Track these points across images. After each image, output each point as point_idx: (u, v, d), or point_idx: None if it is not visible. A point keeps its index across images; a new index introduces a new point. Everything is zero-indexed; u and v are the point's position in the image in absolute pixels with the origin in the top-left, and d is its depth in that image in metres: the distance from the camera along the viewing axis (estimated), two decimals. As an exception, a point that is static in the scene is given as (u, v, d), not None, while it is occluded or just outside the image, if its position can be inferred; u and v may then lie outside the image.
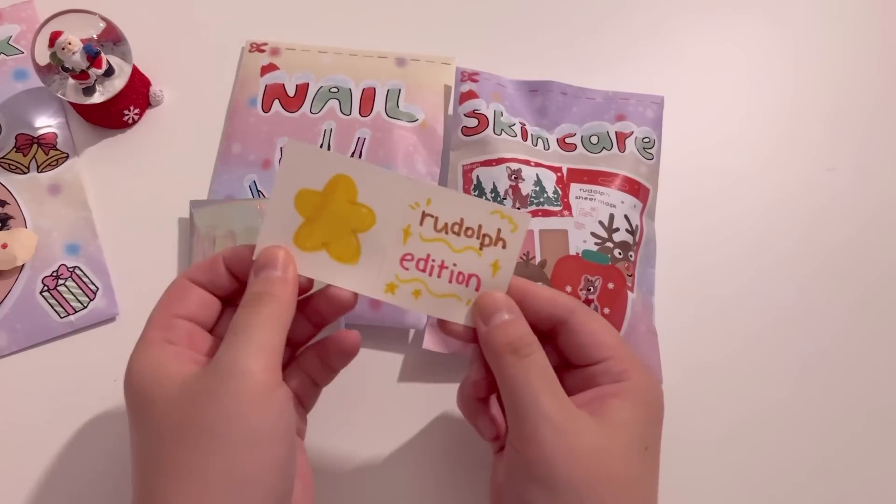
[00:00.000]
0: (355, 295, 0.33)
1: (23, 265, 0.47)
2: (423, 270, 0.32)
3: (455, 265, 0.32)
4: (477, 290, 0.32)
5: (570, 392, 0.31)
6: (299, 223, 0.32)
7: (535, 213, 0.46)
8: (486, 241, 0.32)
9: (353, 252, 0.32)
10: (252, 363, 0.28)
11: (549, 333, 0.34)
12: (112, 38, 0.48)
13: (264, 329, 0.29)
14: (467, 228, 0.32)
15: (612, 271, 0.46)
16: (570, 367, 0.34)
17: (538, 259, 0.45)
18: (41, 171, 0.49)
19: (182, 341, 0.31)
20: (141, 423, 0.29)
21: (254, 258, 0.31)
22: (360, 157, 0.49)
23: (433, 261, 0.32)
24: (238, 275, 0.33)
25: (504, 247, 0.32)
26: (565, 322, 0.33)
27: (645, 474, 0.31)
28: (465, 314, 0.33)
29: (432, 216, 0.32)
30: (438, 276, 0.32)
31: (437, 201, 0.32)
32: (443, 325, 0.33)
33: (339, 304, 0.33)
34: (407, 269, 0.32)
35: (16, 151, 0.49)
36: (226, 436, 0.27)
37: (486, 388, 0.35)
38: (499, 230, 0.32)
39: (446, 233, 0.32)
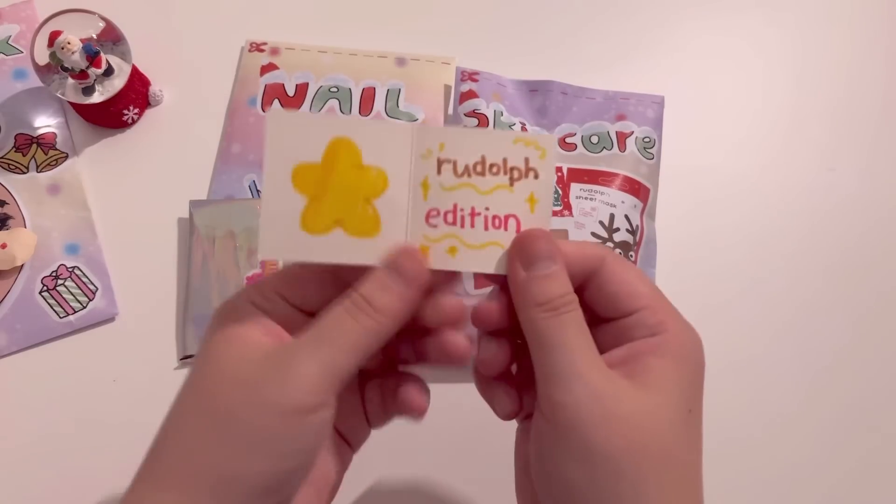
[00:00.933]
0: (469, 347, 0.29)
1: (22, 265, 0.47)
2: (454, 223, 0.28)
3: (487, 209, 0.28)
4: (518, 230, 0.28)
5: (601, 350, 0.28)
6: (303, 204, 0.27)
7: (535, 213, 0.46)
8: (516, 174, 0.28)
9: (371, 223, 0.28)
10: (309, 378, 0.25)
11: (577, 289, 0.29)
12: (111, 37, 0.48)
13: (345, 346, 0.26)
14: (492, 165, 0.28)
15: (613, 271, 0.46)
16: (600, 322, 0.30)
17: (538, 259, 0.45)
18: (41, 171, 0.49)
19: (274, 312, 0.28)
20: (192, 370, 0.28)
21: (259, 255, 0.28)
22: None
23: (461, 210, 0.28)
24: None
25: (536, 176, 0.28)
26: (596, 272, 0.29)
27: (689, 442, 0.28)
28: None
29: (450, 161, 0.28)
30: (472, 226, 0.28)
31: (451, 143, 0.28)
32: (475, 315, 0.29)
33: (454, 356, 0.29)
34: (435, 225, 0.28)
35: (15, 151, 0.49)
36: (241, 434, 0.25)
37: (505, 361, 0.30)
38: (527, 159, 0.28)
39: (469, 175, 0.28)
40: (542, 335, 0.27)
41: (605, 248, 0.30)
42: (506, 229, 0.28)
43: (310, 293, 0.28)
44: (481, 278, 0.45)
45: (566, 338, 0.27)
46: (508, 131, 0.29)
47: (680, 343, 0.28)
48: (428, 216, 0.28)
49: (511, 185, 0.28)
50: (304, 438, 0.26)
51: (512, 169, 0.28)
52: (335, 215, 0.28)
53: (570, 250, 0.29)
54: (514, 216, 0.28)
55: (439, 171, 0.28)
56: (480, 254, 0.28)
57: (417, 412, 0.30)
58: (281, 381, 0.25)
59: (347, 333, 0.26)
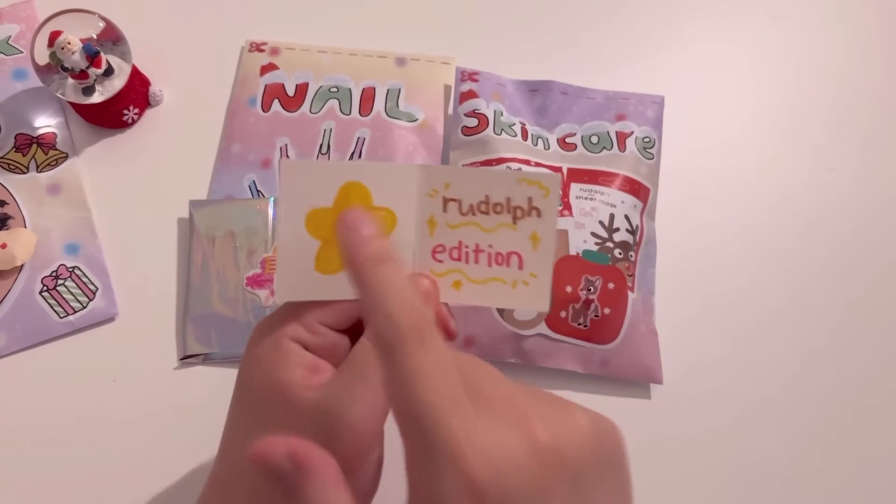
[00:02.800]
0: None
1: (22, 265, 0.47)
2: (459, 259, 0.30)
3: (491, 246, 0.29)
4: (520, 268, 0.29)
5: None
6: (317, 248, 0.29)
7: (535, 213, 0.46)
8: (519, 213, 0.29)
9: None
10: (364, 423, 0.26)
11: None
12: (111, 37, 0.48)
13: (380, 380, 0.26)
14: (495, 204, 0.29)
15: (613, 271, 0.46)
16: None
17: (538, 259, 0.45)
18: (40, 171, 0.49)
19: (319, 350, 0.29)
20: (238, 414, 0.28)
21: (275, 298, 0.29)
22: (359, 157, 0.49)
23: (466, 247, 0.29)
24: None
25: (539, 215, 0.29)
26: None
27: None
28: (513, 297, 0.30)
29: (455, 200, 0.29)
30: (476, 262, 0.30)
31: (457, 183, 0.29)
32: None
33: (446, 335, 0.30)
34: (441, 261, 0.30)
35: (15, 151, 0.49)
36: None
37: None
38: (530, 199, 0.29)
39: (474, 214, 0.29)
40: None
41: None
42: (508, 266, 0.30)
43: (345, 312, 0.29)
44: None
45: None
46: (513, 172, 0.30)
47: None
48: (434, 252, 0.29)
49: (514, 223, 0.29)
50: (369, 478, 0.28)
51: (515, 208, 0.29)
52: None
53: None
54: (517, 253, 0.29)
55: (445, 210, 0.29)
56: (484, 288, 0.30)
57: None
58: (342, 436, 0.26)
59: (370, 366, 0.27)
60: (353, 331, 0.30)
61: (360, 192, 0.29)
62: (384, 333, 0.22)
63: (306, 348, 0.28)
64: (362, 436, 0.26)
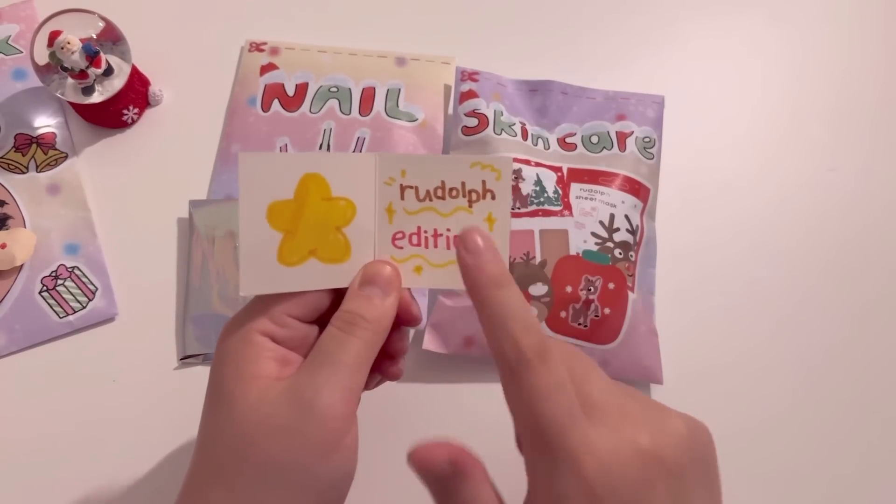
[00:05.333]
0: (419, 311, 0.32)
1: (22, 265, 0.46)
2: (418, 244, 0.30)
3: (449, 230, 0.30)
4: None
5: None
6: (279, 240, 0.29)
7: (535, 213, 0.46)
8: (474, 196, 0.30)
9: (342, 250, 0.30)
10: (334, 407, 0.27)
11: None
12: (111, 37, 0.48)
13: (353, 364, 0.28)
14: (451, 189, 0.30)
15: (613, 271, 0.46)
16: None
17: (538, 259, 0.45)
18: (40, 171, 0.49)
19: (289, 343, 0.29)
20: (212, 409, 0.28)
21: (240, 292, 0.29)
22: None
23: (425, 232, 0.30)
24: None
25: (493, 197, 0.30)
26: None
27: None
28: None
29: (411, 187, 0.30)
30: (435, 247, 0.30)
31: (412, 170, 0.30)
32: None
33: (410, 319, 0.31)
34: (401, 247, 0.30)
35: (15, 151, 0.49)
36: (281, 476, 0.26)
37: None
38: (483, 182, 0.30)
39: (430, 200, 0.30)
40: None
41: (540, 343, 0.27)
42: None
43: (312, 303, 0.30)
44: None
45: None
46: (466, 157, 0.30)
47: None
48: (394, 239, 0.30)
49: (470, 206, 0.30)
50: (346, 461, 0.28)
51: (470, 191, 0.30)
52: (309, 246, 0.30)
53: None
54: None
55: (403, 197, 0.30)
56: (444, 271, 0.31)
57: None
58: (313, 420, 0.26)
59: (351, 351, 0.28)
60: (322, 321, 0.30)
61: (319, 184, 0.29)
62: (507, 354, 0.25)
63: (276, 342, 0.29)
64: (334, 419, 0.27)
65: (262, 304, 0.29)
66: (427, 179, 0.30)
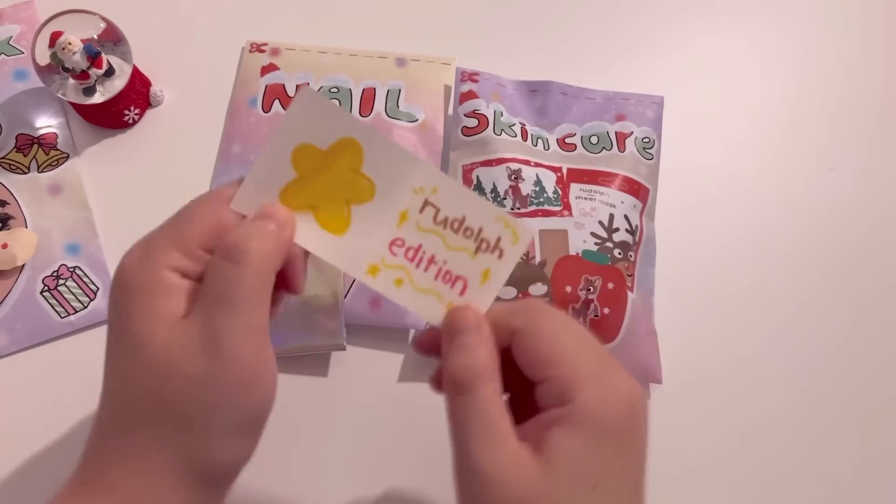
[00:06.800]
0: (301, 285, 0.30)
1: (23, 265, 0.47)
2: (412, 260, 0.30)
3: (445, 262, 0.30)
4: (461, 294, 0.30)
5: (530, 415, 0.28)
6: (291, 178, 0.29)
7: (534, 214, 0.46)
8: (483, 246, 0.30)
9: (341, 223, 0.30)
10: (244, 352, 0.26)
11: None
12: (112, 38, 0.48)
13: (255, 299, 0.26)
14: (466, 228, 0.30)
15: (612, 271, 0.46)
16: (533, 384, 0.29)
17: (538, 259, 0.45)
18: (41, 171, 0.49)
19: (196, 275, 0.28)
20: (121, 349, 0.27)
21: (231, 205, 0.28)
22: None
23: (423, 252, 0.30)
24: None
25: (500, 257, 0.30)
26: (516, 337, 0.29)
27: None
28: (441, 317, 0.30)
29: (434, 206, 0.30)
30: (425, 270, 0.30)
31: (443, 192, 0.29)
32: (415, 343, 0.31)
33: (292, 288, 0.30)
34: (395, 254, 0.30)
35: (16, 151, 0.49)
36: (203, 425, 0.26)
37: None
38: (499, 238, 0.30)
39: (444, 227, 0.30)
40: (451, 416, 0.28)
41: (532, 305, 0.30)
42: (452, 287, 0.30)
43: (221, 231, 0.28)
44: None
45: (463, 422, 0.27)
46: (496, 208, 0.30)
47: (590, 411, 0.26)
48: (393, 243, 0.30)
49: (475, 253, 0.30)
50: (265, 394, 0.27)
51: (482, 240, 0.30)
52: (313, 200, 0.29)
53: (497, 313, 0.29)
54: (464, 280, 0.30)
55: (421, 211, 0.30)
56: (420, 297, 0.30)
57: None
58: (225, 368, 0.26)
59: (251, 282, 0.26)
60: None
61: (355, 153, 0.29)
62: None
63: (184, 276, 0.27)
64: (246, 364, 0.26)
65: (175, 230, 0.28)
66: (451, 207, 0.30)
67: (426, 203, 0.30)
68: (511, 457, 0.26)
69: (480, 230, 0.30)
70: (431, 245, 0.30)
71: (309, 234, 0.29)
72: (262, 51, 0.53)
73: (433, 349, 0.31)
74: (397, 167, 0.29)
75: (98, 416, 0.28)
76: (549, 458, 0.26)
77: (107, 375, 0.28)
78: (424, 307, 0.30)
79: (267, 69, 0.52)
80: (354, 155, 0.29)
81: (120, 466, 0.26)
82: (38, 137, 0.50)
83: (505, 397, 0.28)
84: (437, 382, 0.32)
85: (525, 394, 0.29)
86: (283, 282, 0.30)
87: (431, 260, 0.30)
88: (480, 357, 0.28)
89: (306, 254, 0.31)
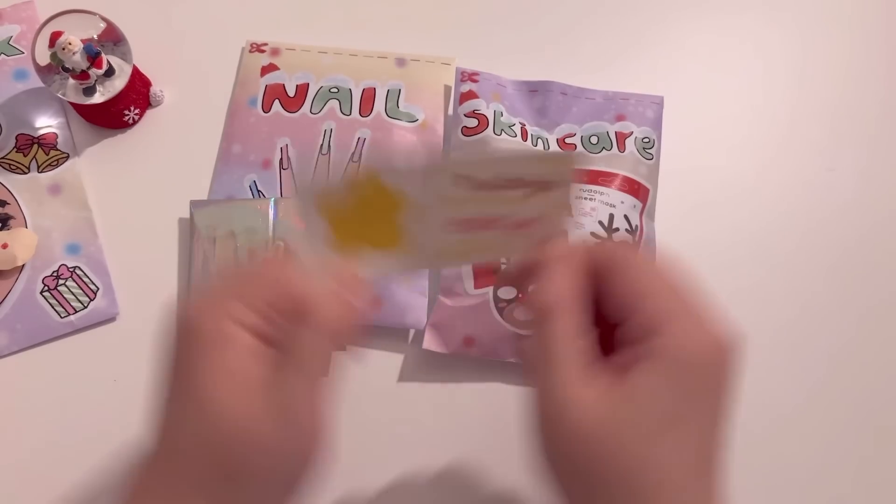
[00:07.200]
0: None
1: (23, 265, 0.47)
2: (475, 229, 0.30)
3: (506, 217, 0.30)
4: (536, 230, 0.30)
5: (612, 351, 0.27)
6: (330, 228, 0.30)
7: (534, 213, 0.46)
8: (533, 188, 0.29)
9: (392, 235, 0.30)
10: (317, 420, 0.27)
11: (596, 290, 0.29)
12: (112, 38, 0.48)
13: (321, 368, 0.27)
14: (507, 181, 0.29)
15: (612, 271, 0.46)
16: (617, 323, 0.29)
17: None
18: (41, 171, 0.49)
19: (260, 331, 0.27)
20: (182, 404, 0.26)
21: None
22: (359, 157, 0.49)
23: (482, 218, 0.30)
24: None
25: (553, 189, 0.29)
26: (605, 274, 0.28)
27: (666, 459, 0.25)
28: (527, 255, 0.30)
29: (469, 177, 0.29)
30: (490, 230, 0.30)
31: (469, 166, 0.29)
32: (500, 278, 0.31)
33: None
34: (455, 233, 0.30)
35: (16, 151, 0.49)
36: (263, 485, 0.26)
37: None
38: (542, 175, 0.29)
39: (489, 190, 0.29)
40: (533, 344, 0.28)
41: (622, 244, 0.30)
42: (527, 229, 0.30)
43: (294, 297, 0.28)
44: (481, 278, 0.45)
45: (540, 350, 0.27)
46: (523, 151, 0.29)
47: (676, 346, 0.26)
48: (448, 224, 0.30)
49: (529, 197, 0.29)
50: (316, 462, 0.28)
51: (529, 184, 0.29)
52: (360, 233, 0.30)
53: (584, 249, 0.29)
54: (532, 222, 0.30)
55: (455, 184, 0.29)
56: (496, 246, 0.31)
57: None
58: (297, 437, 0.26)
59: (319, 355, 0.27)
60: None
61: (371, 176, 0.29)
62: None
63: (250, 332, 0.27)
64: (316, 432, 0.27)
65: (241, 287, 0.28)
66: (482, 173, 0.29)
67: (458, 176, 0.29)
68: (589, 382, 0.26)
69: (522, 177, 0.29)
70: (484, 208, 0.30)
71: (372, 263, 0.30)
72: (262, 51, 0.53)
73: (524, 280, 0.31)
74: (414, 168, 0.29)
75: (150, 466, 0.27)
76: (627, 391, 0.25)
77: (164, 427, 0.28)
78: (503, 249, 0.30)
79: (267, 69, 0.52)
80: (372, 177, 0.29)
81: None
82: (38, 137, 0.50)
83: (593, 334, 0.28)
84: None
85: (610, 337, 0.28)
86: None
87: (492, 221, 0.30)
88: (564, 285, 0.28)
89: None
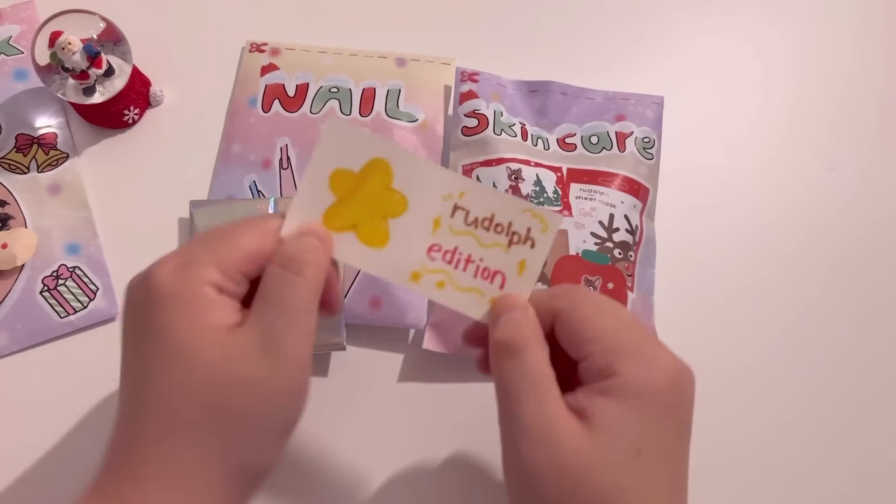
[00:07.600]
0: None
1: (23, 265, 0.47)
2: (450, 263, 0.32)
3: (482, 260, 0.32)
4: (501, 287, 0.32)
5: (573, 389, 0.29)
6: (331, 202, 0.31)
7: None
8: (515, 238, 0.32)
9: (381, 237, 0.32)
10: (303, 355, 0.27)
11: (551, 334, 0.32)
12: (112, 38, 0.48)
13: (311, 307, 0.28)
14: (497, 224, 0.32)
15: (612, 271, 0.46)
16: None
17: (538, 259, 0.45)
18: (41, 171, 0.49)
19: (236, 294, 0.29)
20: (162, 362, 0.27)
21: (281, 233, 0.30)
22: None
23: (460, 254, 0.32)
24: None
25: (532, 246, 0.32)
26: (556, 316, 0.30)
27: (638, 483, 0.27)
28: (485, 312, 0.32)
29: (464, 209, 0.32)
30: (464, 270, 0.32)
31: (470, 195, 0.32)
32: (464, 336, 0.33)
33: (331, 308, 0.32)
34: (433, 259, 0.32)
35: (16, 151, 0.49)
36: (255, 430, 0.27)
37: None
38: (529, 229, 0.32)
39: (476, 227, 0.32)
40: (497, 380, 0.29)
41: (571, 288, 0.32)
42: (491, 282, 0.32)
43: (261, 259, 0.29)
44: None
45: (514, 382, 0.29)
46: (522, 201, 0.32)
47: (630, 382, 0.28)
48: (430, 249, 0.32)
49: (509, 246, 0.32)
50: (305, 398, 0.29)
51: (514, 233, 0.32)
52: (353, 220, 0.32)
53: (538, 298, 0.31)
54: (502, 273, 0.32)
55: (452, 215, 0.32)
56: (463, 296, 0.32)
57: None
58: (284, 371, 0.27)
59: (304, 294, 0.28)
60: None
61: (385, 171, 0.31)
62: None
63: (222, 292, 0.28)
64: (303, 367, 0.28)
65: (214, 250, 0.28)
66: (480, 208, 0.32)
67: (456, 207, 0.32)
68: (560, 418, 0.28)
69: (510, 224, 0.32)
70: (466, 246, 0.32)
71: (353, 251, 0.32)
72: (262, 51, 0.53)
73: (480, 341, 0.34)
74: (424, 178, 0.32)
75: (126, 425, 0.28)
76: (594, 426, 0.27)
77: (141, 388, 0.28)
78: (468, 305, 0.32)
79: (267, 69, 0.52)
80: (385, 173, 0.31)
81: (158, 472, 0.27)
82: (37, 137, 0.50)
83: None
84: (483, 365, 0.34)
85: (570, 377, 0.30)
86: (322, 303, 0.31)
87: (469, 259, 0.32)
88: (529, 327, 0.30)
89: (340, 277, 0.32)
